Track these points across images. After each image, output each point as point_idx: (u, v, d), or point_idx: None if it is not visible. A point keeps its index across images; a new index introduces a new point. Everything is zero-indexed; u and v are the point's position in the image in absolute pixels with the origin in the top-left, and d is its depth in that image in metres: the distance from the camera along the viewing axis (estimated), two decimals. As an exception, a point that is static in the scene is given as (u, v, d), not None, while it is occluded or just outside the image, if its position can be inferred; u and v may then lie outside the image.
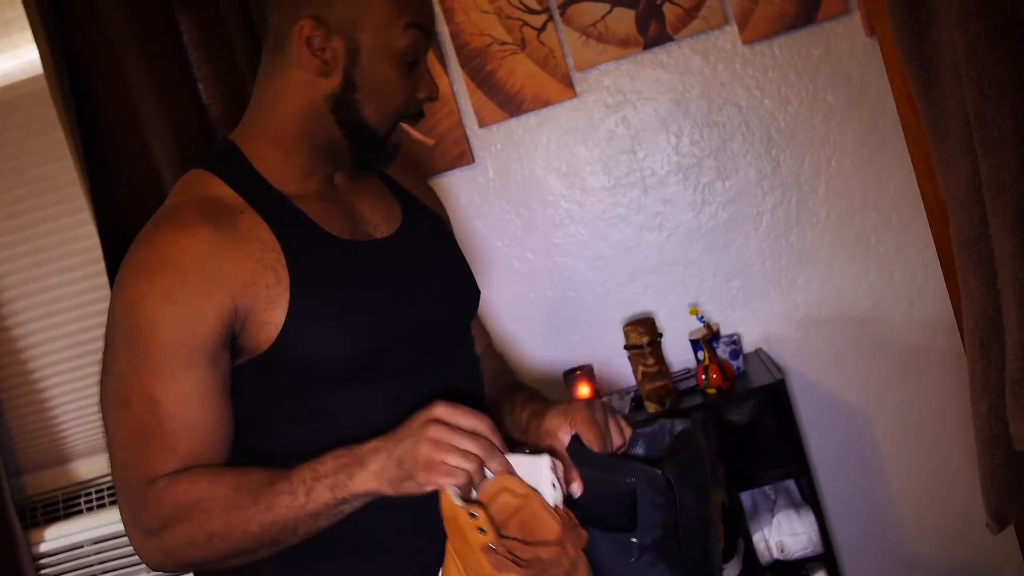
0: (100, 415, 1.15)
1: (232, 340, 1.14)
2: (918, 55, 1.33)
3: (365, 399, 1.19)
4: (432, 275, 1.32)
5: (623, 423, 1.23)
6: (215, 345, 1.12)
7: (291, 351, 1.14)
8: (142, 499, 1.10)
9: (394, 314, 1.23)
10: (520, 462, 1.06)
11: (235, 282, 1.13)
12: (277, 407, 1.19)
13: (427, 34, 1.24)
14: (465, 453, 1.03)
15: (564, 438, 1.17)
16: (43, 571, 2.60)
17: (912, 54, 1.34)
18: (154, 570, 1.16)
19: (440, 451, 1.02)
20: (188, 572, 1.16)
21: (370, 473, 1.06)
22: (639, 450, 1.27)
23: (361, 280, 1.23)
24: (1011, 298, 1.28)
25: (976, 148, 1.24)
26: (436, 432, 1.03)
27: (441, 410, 1.06)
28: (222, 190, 1.19)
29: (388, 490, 1.06)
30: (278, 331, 1.13)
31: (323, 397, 1.18)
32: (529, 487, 1.04)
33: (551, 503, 1.04)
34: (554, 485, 1.04)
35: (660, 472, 1.08)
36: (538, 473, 1.05)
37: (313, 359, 1.15)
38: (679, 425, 1.26)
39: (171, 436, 1.10)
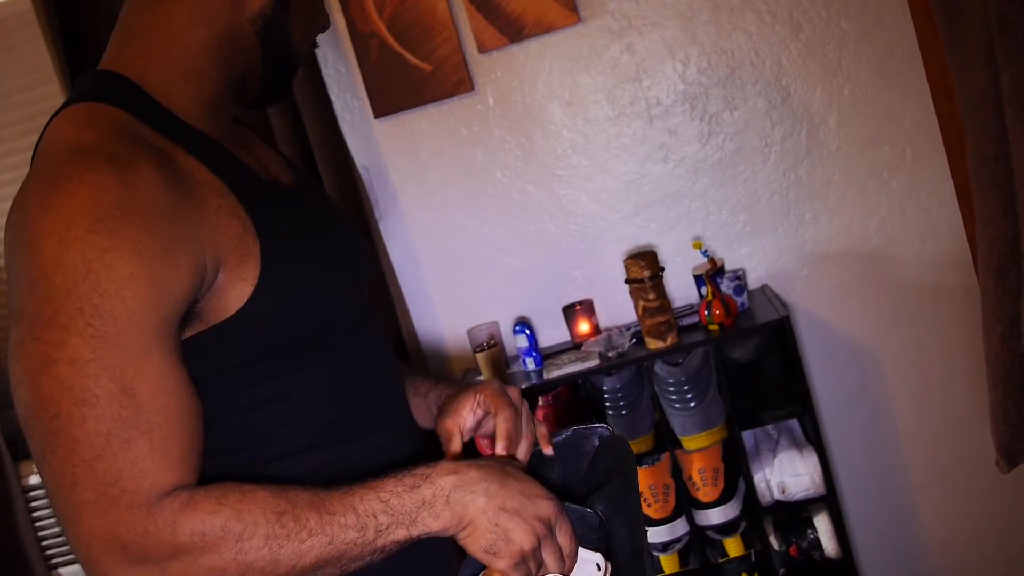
0: (26, 425, 0.88)
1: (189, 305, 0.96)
2: (937, -42, 1.24)
3: (311, 378, 1.06)
4: (350, 233, 1.23)
5: (534, 419, 1.17)
6: (181, 311, 0.93)
7: (261, 316, 0.98)
8: (139, 522, 0.86)
9: (343, 274, 1.13)
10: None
11: (202, 231, 0.94)
12: (221, 394, 1.01)
13: None
14: (542, 561, 1.00)
15: (468, 417, 1.15)
16: (33, 504, 2.57)
17: (931, -42, 1.25)
18: None
19: (535, 553, 0.98)
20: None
21: (459, 520, 0.96)
22: (556, 472, 1.19)
23: (313, 231, 1.11)
24: (1030, 221, 1.20)
25: (997, 57, 1.16)
26: (543, 531, 0.98)
27: (560, 517, 1.00)
28: (136, 125, 0.97)
29: (464, 540, 0.98)
30: (252, 290, 0.97)
31: (271, 380, 1.03)
32: None
33: None
34: None
35: (592, 511, 1.05)
36: (586, 568, 1.05)
37: (283, 325, 1.01)
38: (595, 433, 1.19)
39: (159, 434, 0.88)
